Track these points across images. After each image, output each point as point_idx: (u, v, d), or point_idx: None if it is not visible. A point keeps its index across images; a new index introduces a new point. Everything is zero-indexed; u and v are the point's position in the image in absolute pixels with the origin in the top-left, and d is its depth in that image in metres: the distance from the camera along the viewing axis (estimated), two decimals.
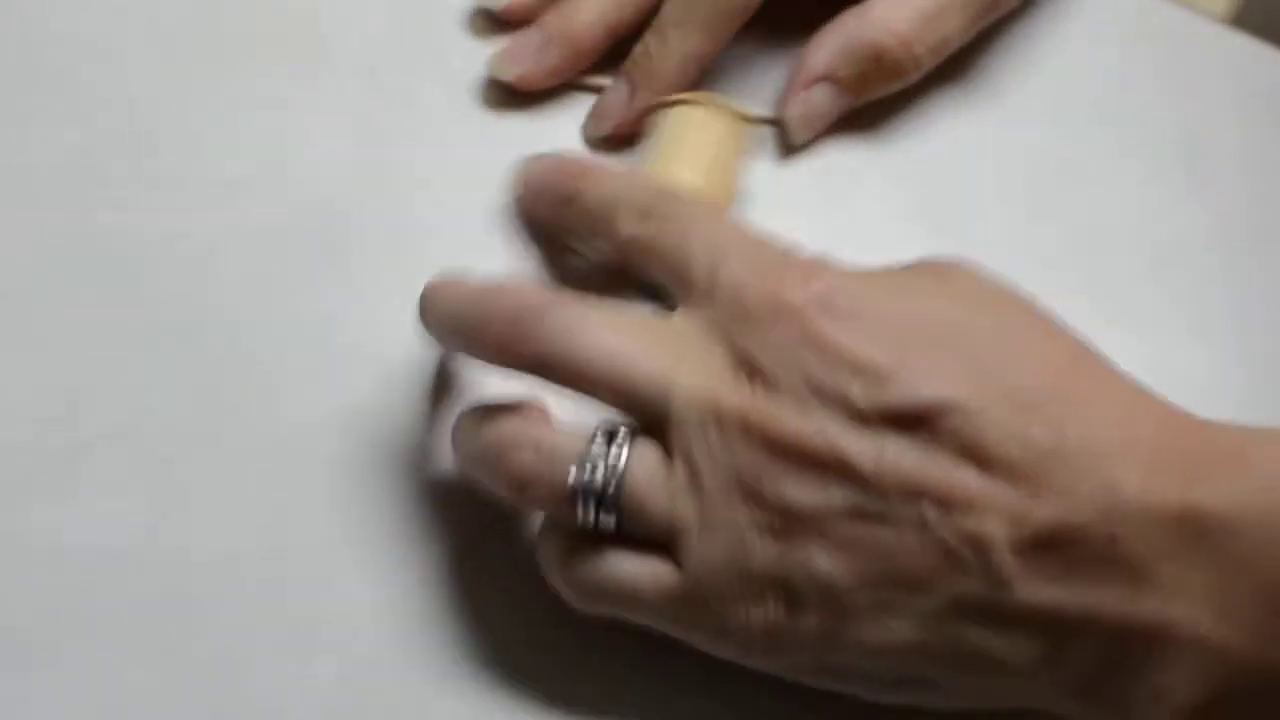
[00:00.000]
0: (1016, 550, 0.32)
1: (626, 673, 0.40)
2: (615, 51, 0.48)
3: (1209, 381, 0.45)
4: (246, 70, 0.49)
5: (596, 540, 0.36)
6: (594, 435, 0.36)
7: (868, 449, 0.33)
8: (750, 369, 0.35)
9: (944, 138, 0.49)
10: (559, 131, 0.48)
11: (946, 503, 0.33)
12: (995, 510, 0.33)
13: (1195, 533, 0.32)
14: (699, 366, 0.35)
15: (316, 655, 0.40)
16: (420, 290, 0.40)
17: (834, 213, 0.48)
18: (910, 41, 0.46)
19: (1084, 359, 0.36)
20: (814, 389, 0.34)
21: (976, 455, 0.33)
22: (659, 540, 0.36)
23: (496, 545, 0.42)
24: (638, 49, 0.47)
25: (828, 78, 0.47)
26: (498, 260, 0.45)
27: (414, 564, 0.42)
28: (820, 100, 0.47)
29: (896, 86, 0.47)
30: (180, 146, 0.47)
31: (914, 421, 0.33)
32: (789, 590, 0.34)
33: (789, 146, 0.48)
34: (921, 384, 0.34)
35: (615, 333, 0.36)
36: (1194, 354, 0.46)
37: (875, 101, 0.48)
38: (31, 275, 0.45)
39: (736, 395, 0.35)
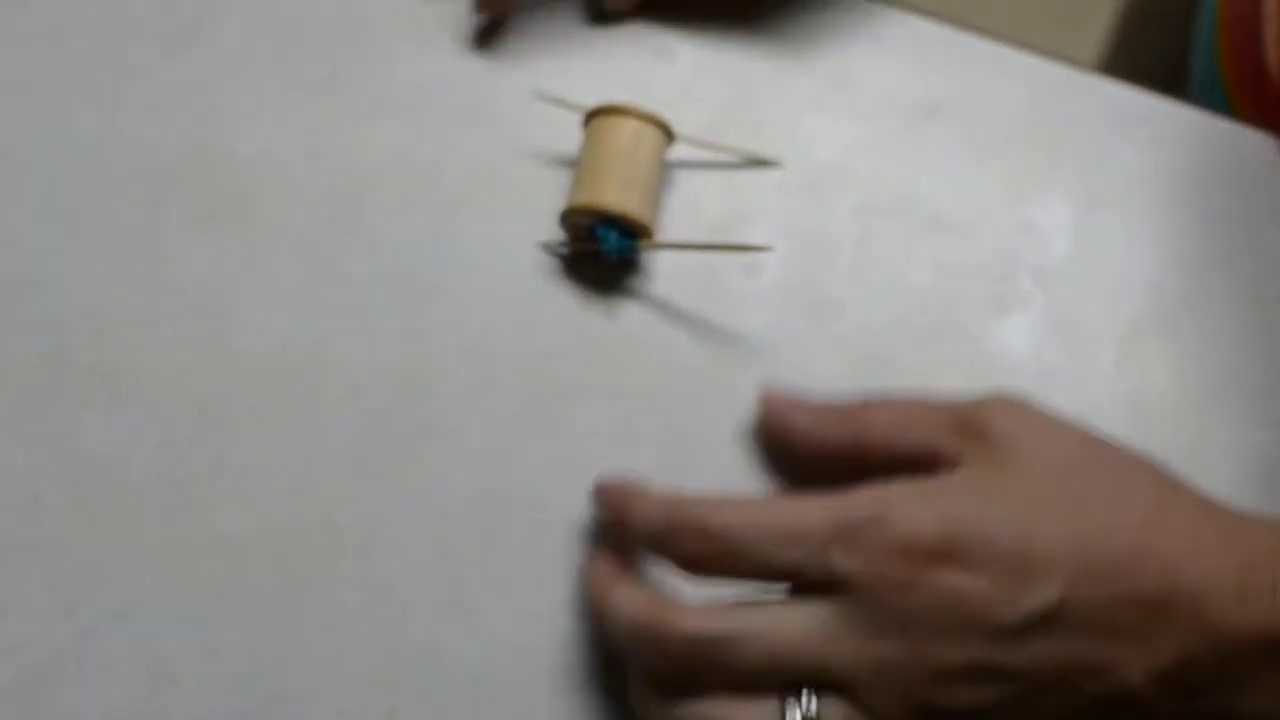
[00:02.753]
0: (1151, 684, 0.41)
1: None
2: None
3: None
4: (186, 252, 0.52)
5: None
6: (781, 704, 0.42)
7: (1017, 655, 0.41)
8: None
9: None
10: (482, 305, 0.52)
11: (1090, 673, 0.41)
12: (1128, 667, 0.40)
13: None
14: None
15: None
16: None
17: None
18: None
19: (1161, 495, 0.43)
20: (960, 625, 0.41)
21: (1103, 629, 0.40)
22: None
23: None
24: None
25: None
26: (420, 409, 0.50)
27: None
28: None
29: None
30: (134, 336, 0.51)
31: (1045, 621, 0.40)
32: None
33: (605, 15, 0.51)
34: (1034, 593, 0.40)
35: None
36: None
37: None
38: (13, 471, 0.49)
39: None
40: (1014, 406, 0.44)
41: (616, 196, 0.48)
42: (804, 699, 0.41)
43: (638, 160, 0.49)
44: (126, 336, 0.51)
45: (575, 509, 0.48)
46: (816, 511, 0.42)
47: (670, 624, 0.42)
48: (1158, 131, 0.54)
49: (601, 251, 0.50)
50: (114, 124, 0.54)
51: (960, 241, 0.52)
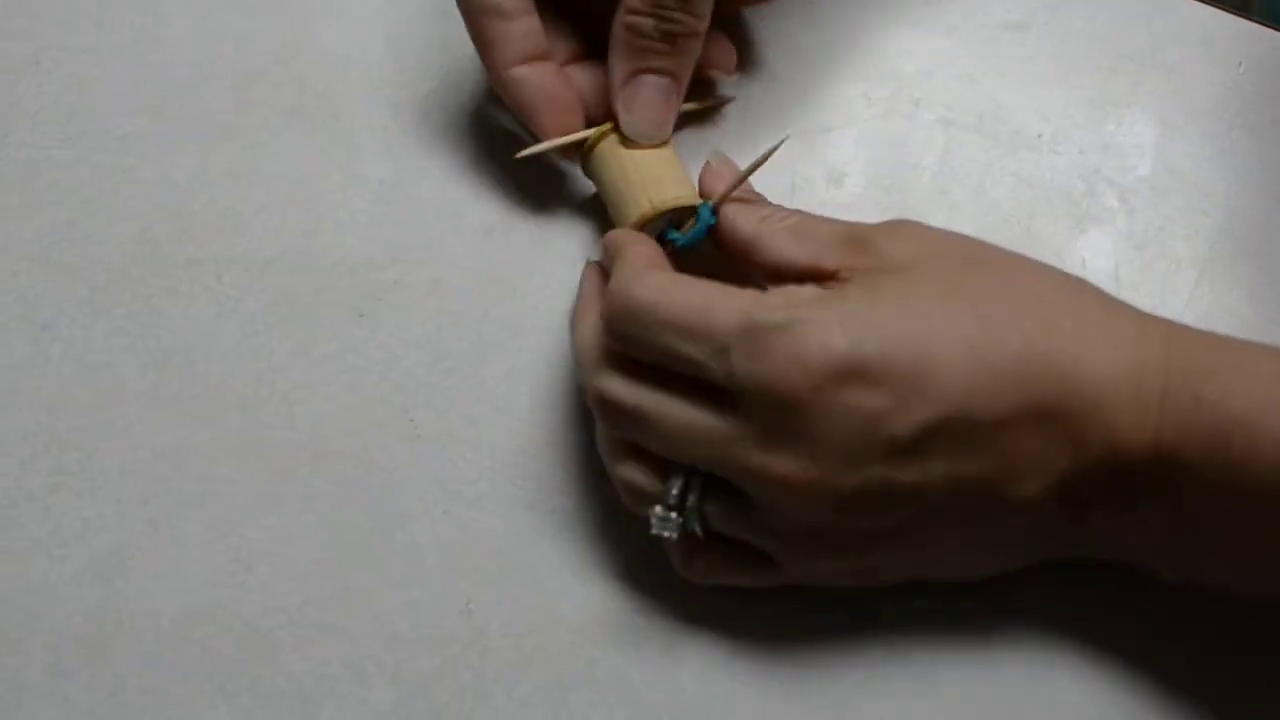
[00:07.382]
0: (1047, 496, 0.40)
1: None
2: None
3: None
4: (273, 146, 0.52)
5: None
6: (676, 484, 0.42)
7: (911, 471, 0.40)
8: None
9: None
10: (563, 203, 0.52)
11: (986, 486, 0.40)
12: (1025, 479, 0.40)
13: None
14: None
15: (375, 687, 0.45)
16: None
17: None
18: (651, 5, 0.46)
19: (1058, 296, 0.41)
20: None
21: (999, 441, 0.39)
22: None
23: None
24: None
25: (634, 72, 0.48)
26: (501, 308, 0.50)
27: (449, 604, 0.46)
28: (646, 94, 0.48)
29: (692, 47, 0.47)
30: (219, 227, 0.51)
31: (940, 433, 0.39)
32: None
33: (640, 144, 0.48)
34: (928, 405, 0.39)
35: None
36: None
37: None
38: (95, 356, 0.50)
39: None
40: (903, 229, 0.43)
41: (670, 193, 0.47)
42: (691, 492, 0.42)
43: (651, 157, 0.48)
44: (211, 227, 0.51)
45: None
46: (725, 309, 0.40)
47: (594, 389, 0.43)
48: (1241, 52, 0.54)
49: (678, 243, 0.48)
50: (205, 20, 0.54)
51: (1042, 157, 0.52)
